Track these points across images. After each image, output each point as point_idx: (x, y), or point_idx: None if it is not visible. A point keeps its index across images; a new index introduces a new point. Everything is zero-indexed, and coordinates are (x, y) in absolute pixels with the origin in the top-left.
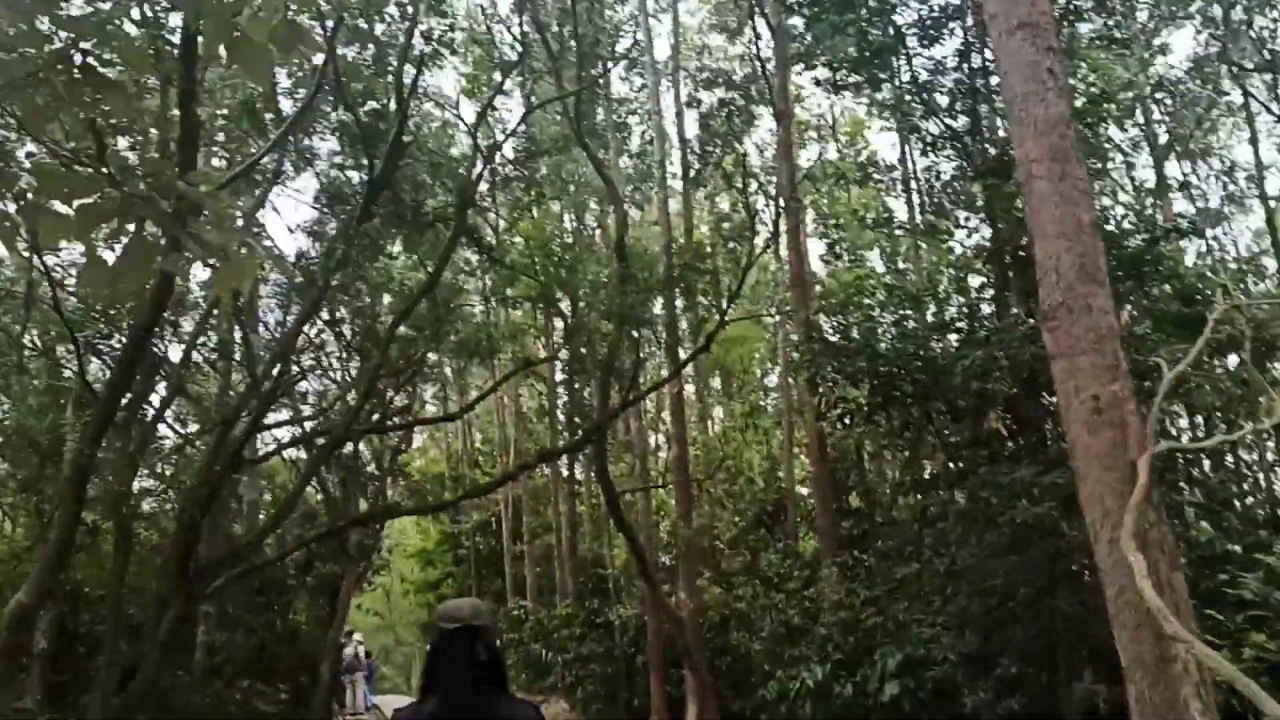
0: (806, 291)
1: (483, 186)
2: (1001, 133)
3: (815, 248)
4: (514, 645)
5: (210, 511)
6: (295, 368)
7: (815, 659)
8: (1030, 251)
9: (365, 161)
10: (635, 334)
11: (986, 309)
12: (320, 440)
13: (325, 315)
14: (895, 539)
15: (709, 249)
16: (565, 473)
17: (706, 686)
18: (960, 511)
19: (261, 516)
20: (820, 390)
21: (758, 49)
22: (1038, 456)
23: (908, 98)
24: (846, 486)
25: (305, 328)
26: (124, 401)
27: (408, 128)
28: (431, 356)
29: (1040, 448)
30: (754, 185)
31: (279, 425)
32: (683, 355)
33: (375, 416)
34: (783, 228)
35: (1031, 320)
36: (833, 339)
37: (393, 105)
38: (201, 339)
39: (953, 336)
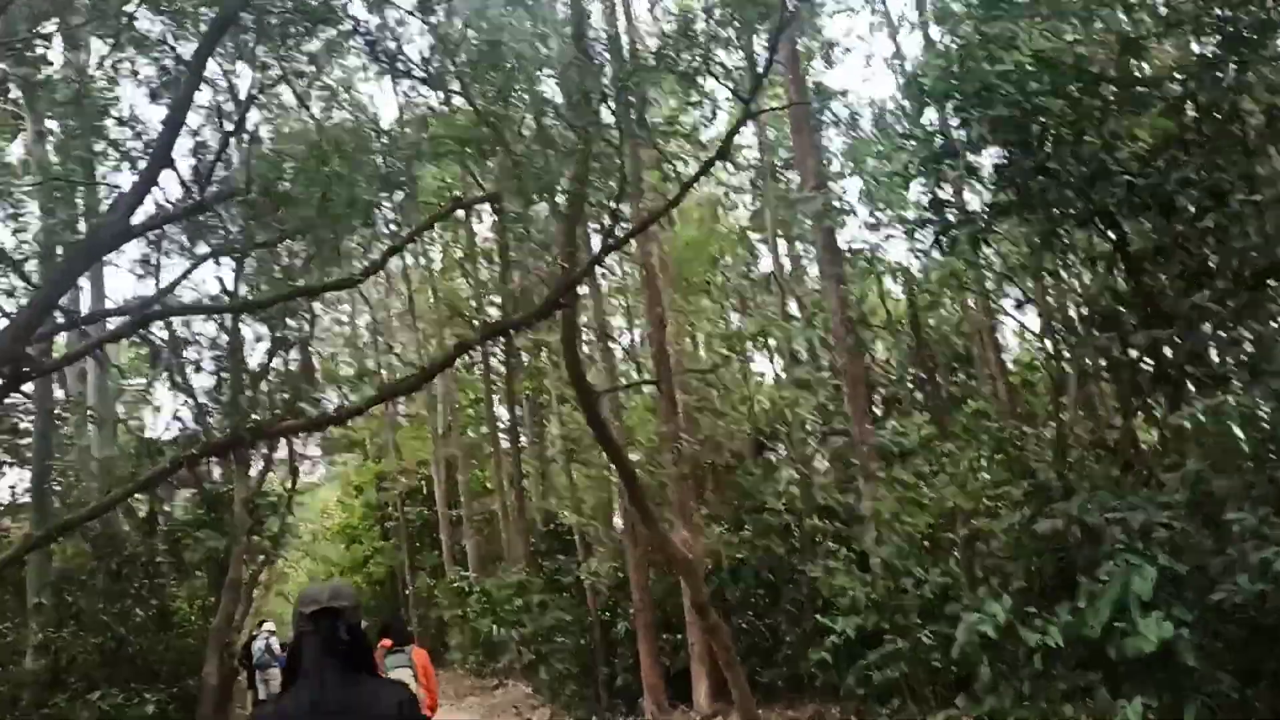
0: None
1: None
2: None
3: None
4: (457, 623)
5: None
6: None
7: (988, 594)
8: None
9: None
10: (615, 139)
11: None
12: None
13: None
14: None
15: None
16: (505, 422)
17: (730, 649)
18: None
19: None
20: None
21: None
22: None
23: None
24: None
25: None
26: None
27: None
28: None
29: None
30: None
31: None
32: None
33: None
34: None
35: None
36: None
37: None
38: None
39: None
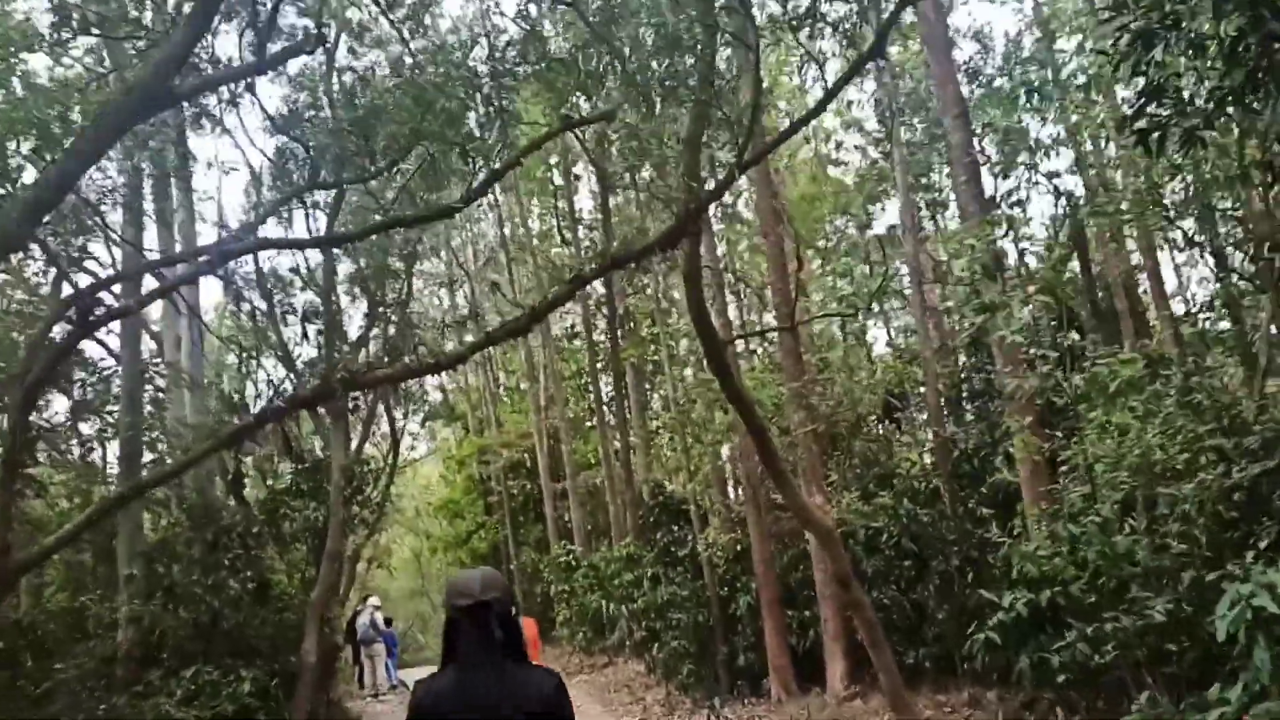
0: None
1: None
2: None
3: None
4: (564, 599)
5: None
6: None
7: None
8: None
9: None
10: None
11: None
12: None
13: None
14: None
15: None
16: (610, 393)
17: (876, 627)
18: None
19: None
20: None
21: None
22: None
23: None
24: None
25: None
26: None
27: None
28: None
29: None
30: None
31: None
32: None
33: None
34: None
35: None
36: None
37: None
38: None
39: None
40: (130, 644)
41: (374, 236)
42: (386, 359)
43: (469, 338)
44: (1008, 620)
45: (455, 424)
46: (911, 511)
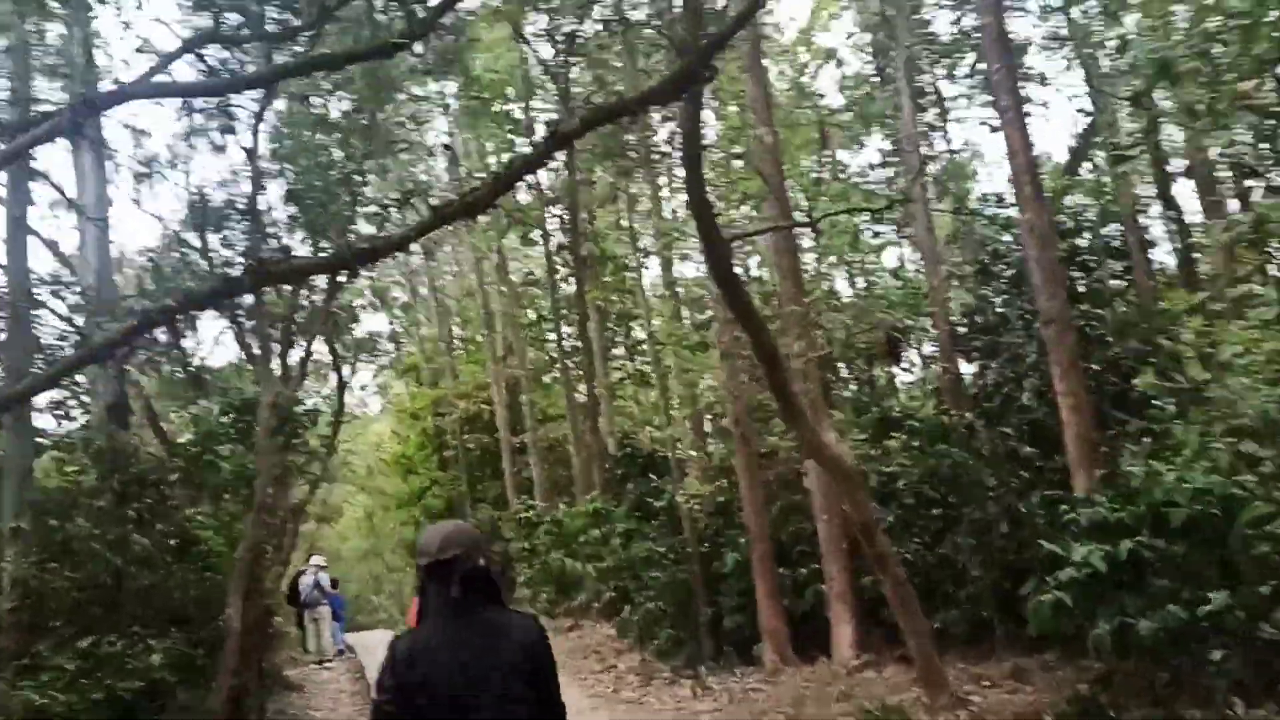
0: None
1: None
2: None
3: None
4: (524, 557)
5: None
6: None
7: None
8: None
9: None
10: None
11: None
12: None
13: None
14: None
15: None
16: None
17: (906, 586)
18: None
19: None
20: None
21: None
22: None
23: None
24: None
25: None
26: None
27: None
28: None
29: None
30: None
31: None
32: None
33: None
34: None
35: None
36: None
37: None
38: None
39: None
40: (14, 610)
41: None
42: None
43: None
44: (1080, 577)
45: (407, 376)
46: (943, 452)
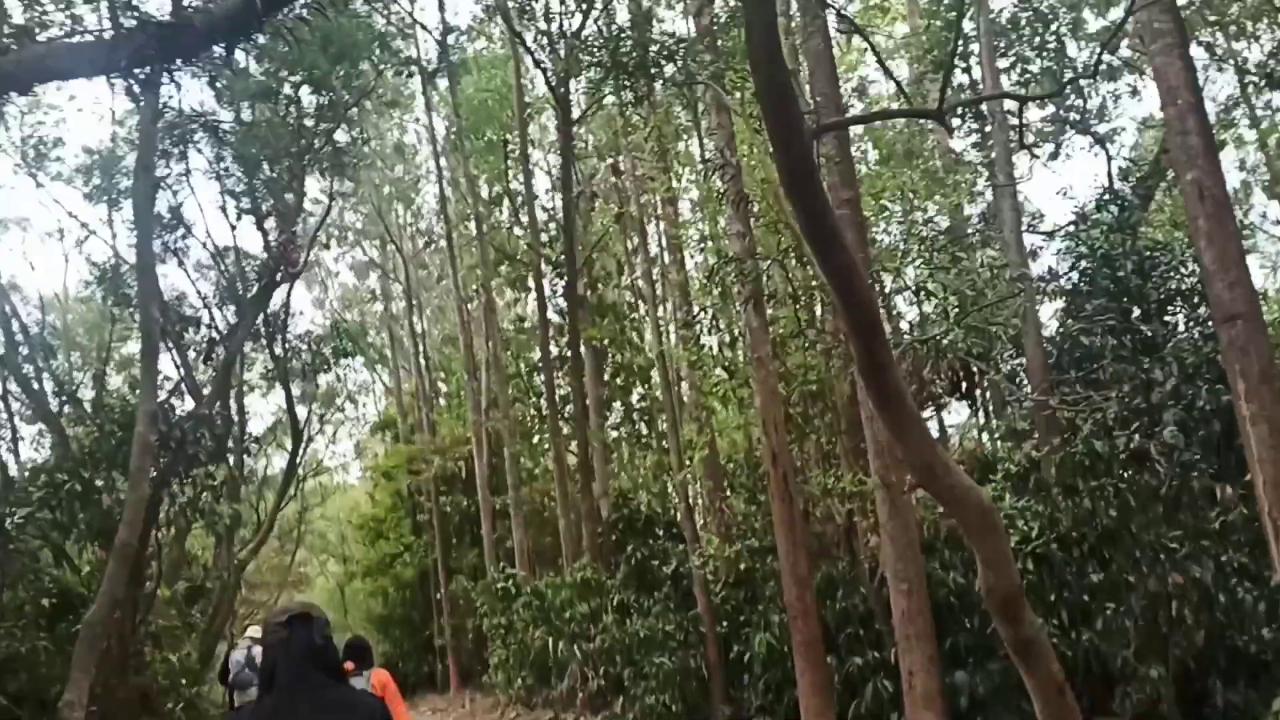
0: None
1: None
2: None
3: None
4: (499, 635)
5: None
6: None
7: None
8: None
9: None
10: None
11: None
12: None
13: None
14: None
15: None
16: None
17: (1066, 691)
18: None
19: None
20: None
21: None
22: None
23: None
24: None
25: None
26: None
27: None
28: None
29: None
30: None
31: None
32: None
33: None
34: None
35: None
36: None
37: None
38: None
39: None
40: None
41: None
42: None
43: None
44: None
45: (385, 431)
46: (1099, 492)
